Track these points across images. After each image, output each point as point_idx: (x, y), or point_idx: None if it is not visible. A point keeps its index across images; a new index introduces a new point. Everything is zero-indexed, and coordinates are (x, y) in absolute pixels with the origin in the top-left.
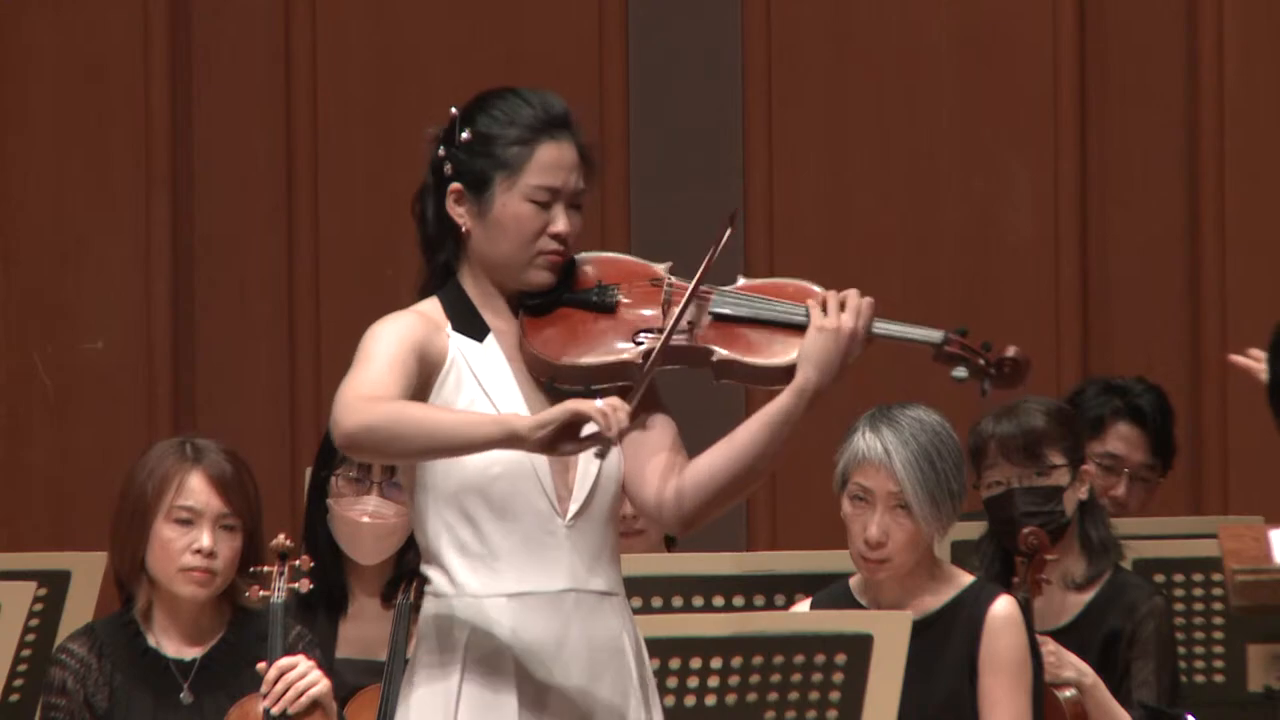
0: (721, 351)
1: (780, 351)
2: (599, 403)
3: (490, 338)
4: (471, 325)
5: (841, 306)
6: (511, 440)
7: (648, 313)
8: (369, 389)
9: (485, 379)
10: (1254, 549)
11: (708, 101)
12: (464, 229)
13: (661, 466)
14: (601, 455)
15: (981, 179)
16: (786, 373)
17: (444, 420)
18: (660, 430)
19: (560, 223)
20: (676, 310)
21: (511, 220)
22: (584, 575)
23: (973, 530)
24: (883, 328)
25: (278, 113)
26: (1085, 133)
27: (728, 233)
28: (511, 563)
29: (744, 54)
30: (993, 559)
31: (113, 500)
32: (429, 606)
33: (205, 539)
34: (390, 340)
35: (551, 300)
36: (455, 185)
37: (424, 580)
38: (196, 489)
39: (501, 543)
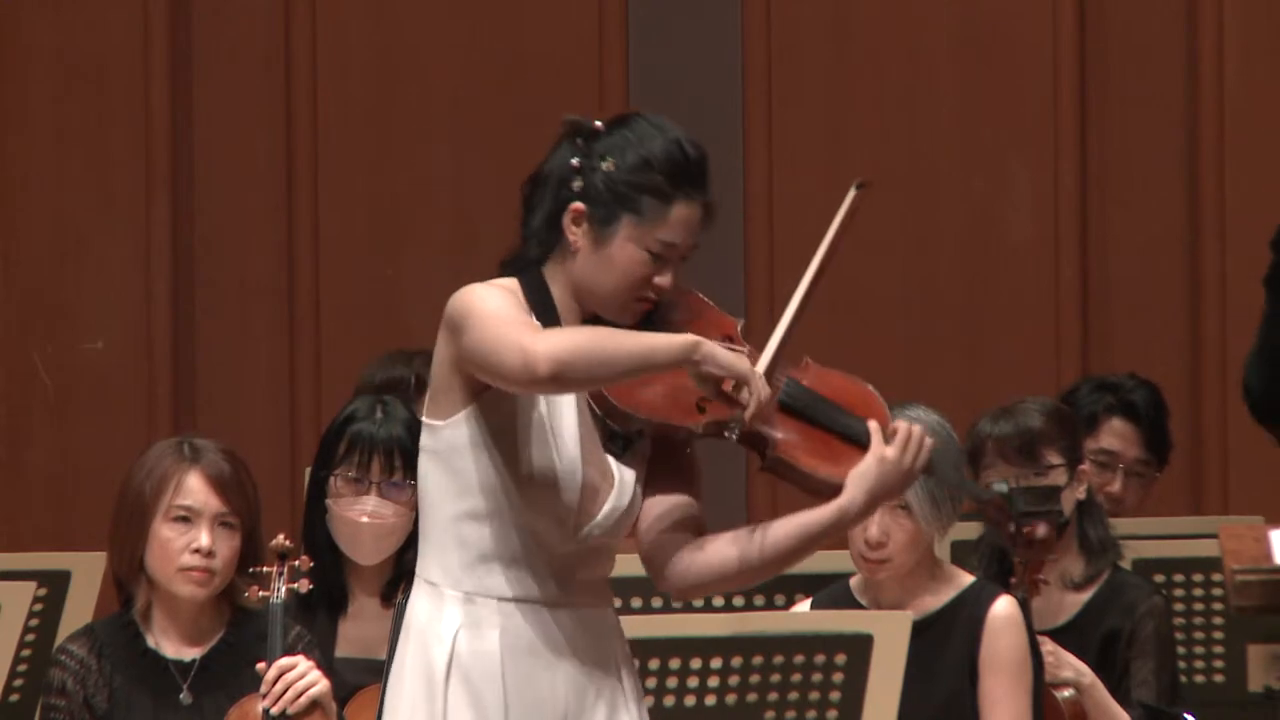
0: (781, 448)
1: (836, 465)
2: (759, 388)
3: None
4: (549, 326)
5: (905, 441)
6: (694, 359)
7: None
8: (532, 326)
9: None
10: (1254, 549)
11: (708, 101)
12: (573, 247)
13: (680, 530)
14: (734, 435)
15: (981, 179)
16: (835, 490)
17: (636, 340)
18: (687, 490)
19: (667, 278)
20: (772, 345)
21: (625, 263)
22: (578, 590)
23: (972, 530)
24: (939, 468)
25: (278, 113)
26: (1085, 133)
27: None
28: (507, 568)
29: (744, 54)
30: (992, 559)
31: (112, 500)
32: (417, 596)
33: (204, 538)
34: (504, 300)
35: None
36: (578, 205)
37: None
38: (195, 488)
39: (502, 550)
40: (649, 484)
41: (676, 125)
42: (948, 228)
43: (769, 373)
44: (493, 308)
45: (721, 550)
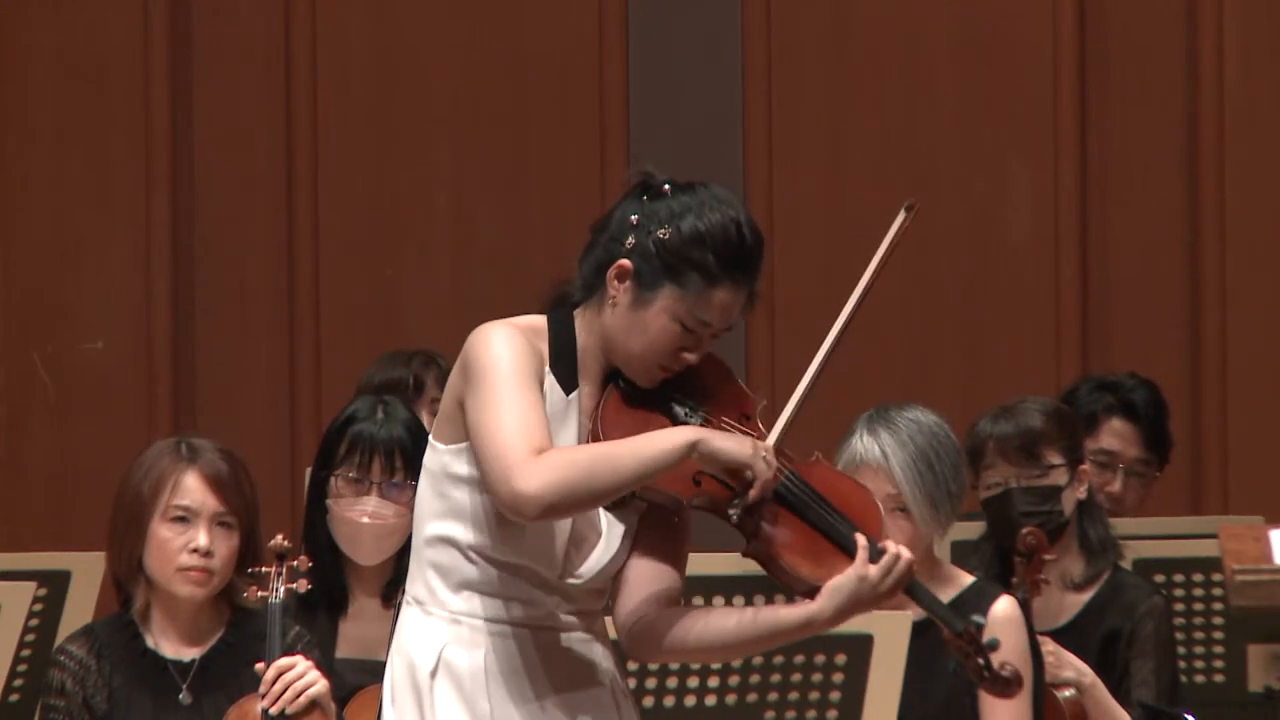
0: (764, 539)
1: (817, 568)
2: (764, 459)
3: (575, 395)
4: (566, 373)
5: (889, 565)
6: (686, 458)
7: None
8: (531, 440)
9: (555, 436)
10: (1254, 549)
11: (708, 101)
12: (611, 299)
13: (654, 593)
14: (736, 514)
15: (981, 179)
16: (809, 590)
17: (633, 454)
18: (670, 554)
19: (696, 353)
20: (796, 397)
21: (658, 331)
22: (568, 617)
23: (972, 530)
24: (916, 592)
25: (278, 113)
26: (1085, 133)
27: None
28: (497, 596)
29: (744, 54)
30: (992, 559)
31: (111, 501)
32: (407, 613)
33: (202, 538)
34: (514, 365)
35: (644, 394)
36: (625, 263)
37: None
38: (192, 488)
39: (499, 585)
40: (636, 540)
41: (739, 203)
42: (948, 228)
43: (777, 446)
44: (500, 382)
45: (686, 626)
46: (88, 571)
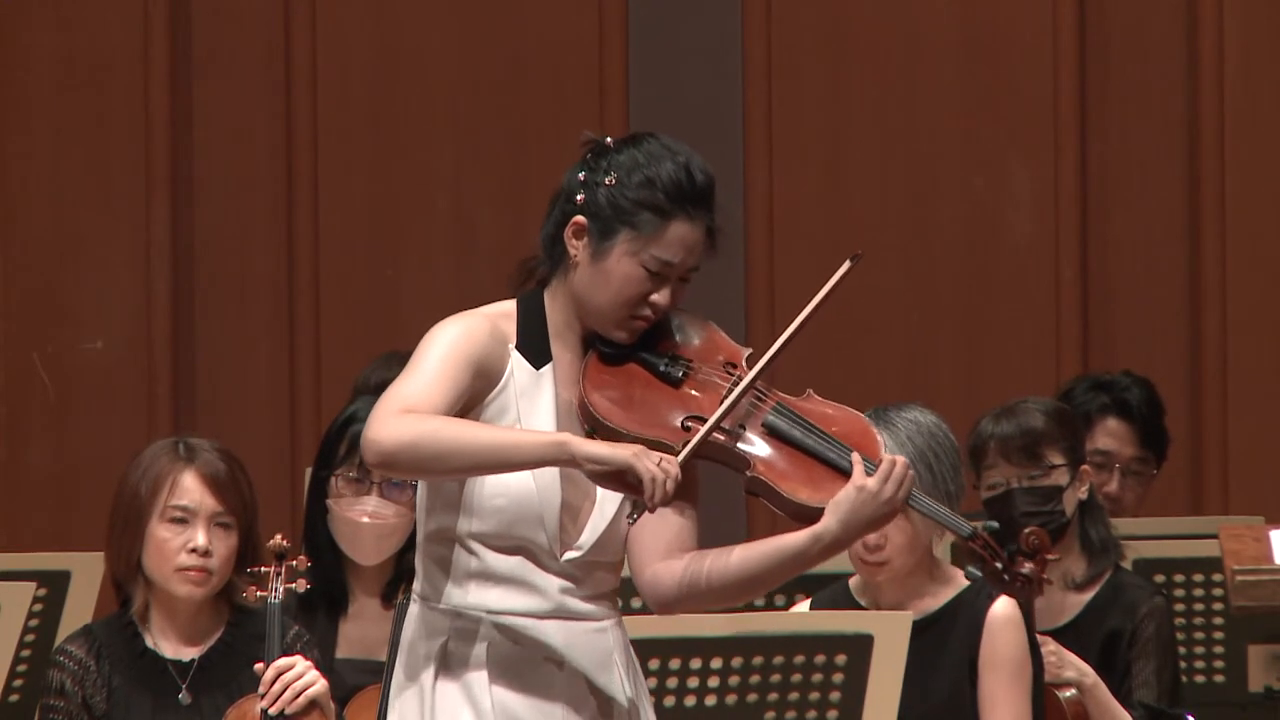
0: (760, 469)
1: (816, 491)
2: (655, 462)
3: (548, 368)
4: (535, 350)
5: (886, 473)
6: (567, 463)
7: (705, 399)
8: (410, 401)
9: (525, 412)
10: (1254, 549)
11: (708, 101)
12: (573, 261)
13: (666, 546)
14: (632, 520)
15: (981, 179)
16: (818, 513)
17: (494, 438)
18: (679, 506)
19: (664, 296)
20: (722, 406)
21: (621, 279)
22: (574, 603)
23: None
24: (919, 502)
25: (278, 113)
26: (1085, 133)
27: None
28: (499, 585)
29: (744, 54)
30: None
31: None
32: (412, 609)
33: (200, 538)
34: (447, 347)
35: (624, 353)
36: (580, 218)
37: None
38: (190, 488)
39: (498, 568)
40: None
41: (688, 148)
42: (948, 228)
43: (765, 381)
44: (421, 357)
45: (696, 568)
46: (88, 572)
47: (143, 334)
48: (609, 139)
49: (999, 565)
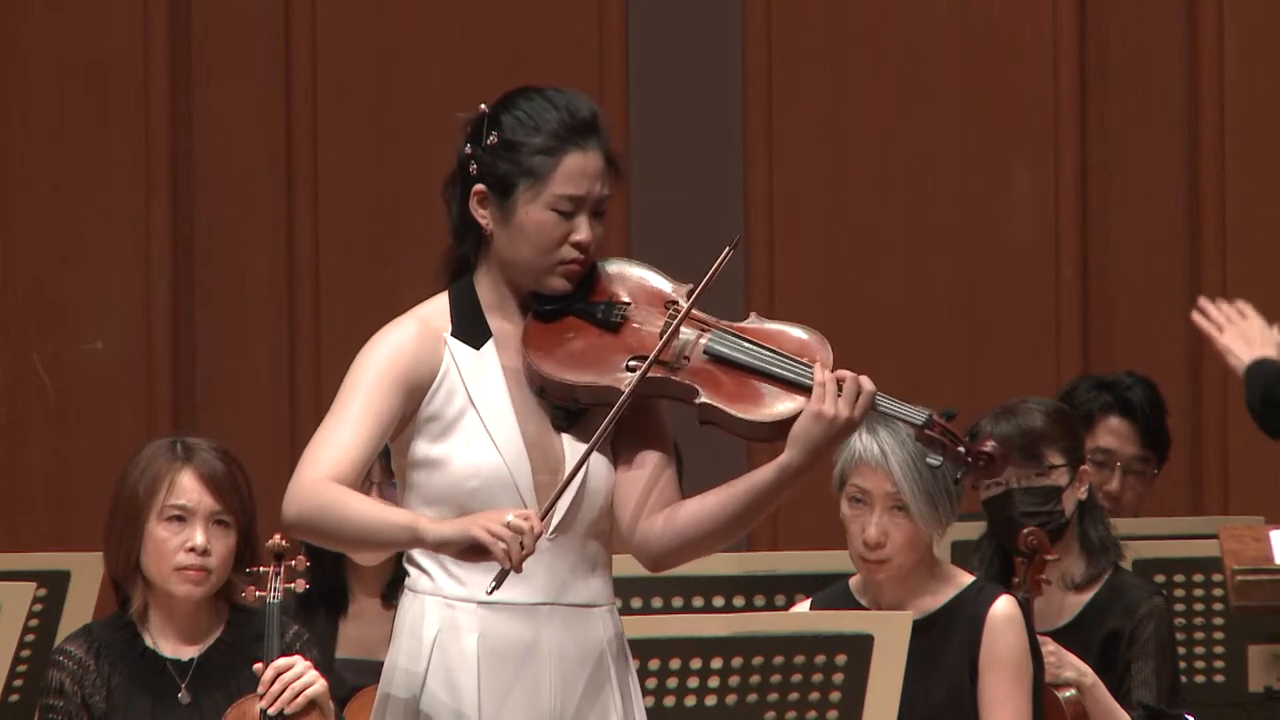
0: (705, 394)
1: (768, 408)
2: (504, 523)
3: (489, 345)
4: (472, 331)
5: (840, 390)
6: (416, 544)
7: (647, 338)
8: (325, 465)
9: (475, 391)
10: (1254, 549)
11: (708, 101)
12: (486, 230)
13: (647, 499)
14: (495, 587)
15: (981, 179)
16: (771, 429)
17: (364, 519)
18: (656, 459)
19: (582, 231)
20: (661, 341)
21: (534, 228)
22: (562, 588)
23: (973, 530)
24: (881, 406)
25: (278, 113)
26: (1085, 133)
27: (725, 255)
28: (488, 571)
29: (744, 54)
30: (992, 559)
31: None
32: (405, 602)
33: (198, 537)
34: (373, 375)
35: (560, 309)
36: (479, 187)
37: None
38: (188, 487)
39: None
40: (616, 458)
41: (567, 90)
42: (948, 228)
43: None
44: (347, 392)
45: (678, 520)
46: (87, 571)
47: (143, 334)
48: (483, 105)
49: (961, 449)
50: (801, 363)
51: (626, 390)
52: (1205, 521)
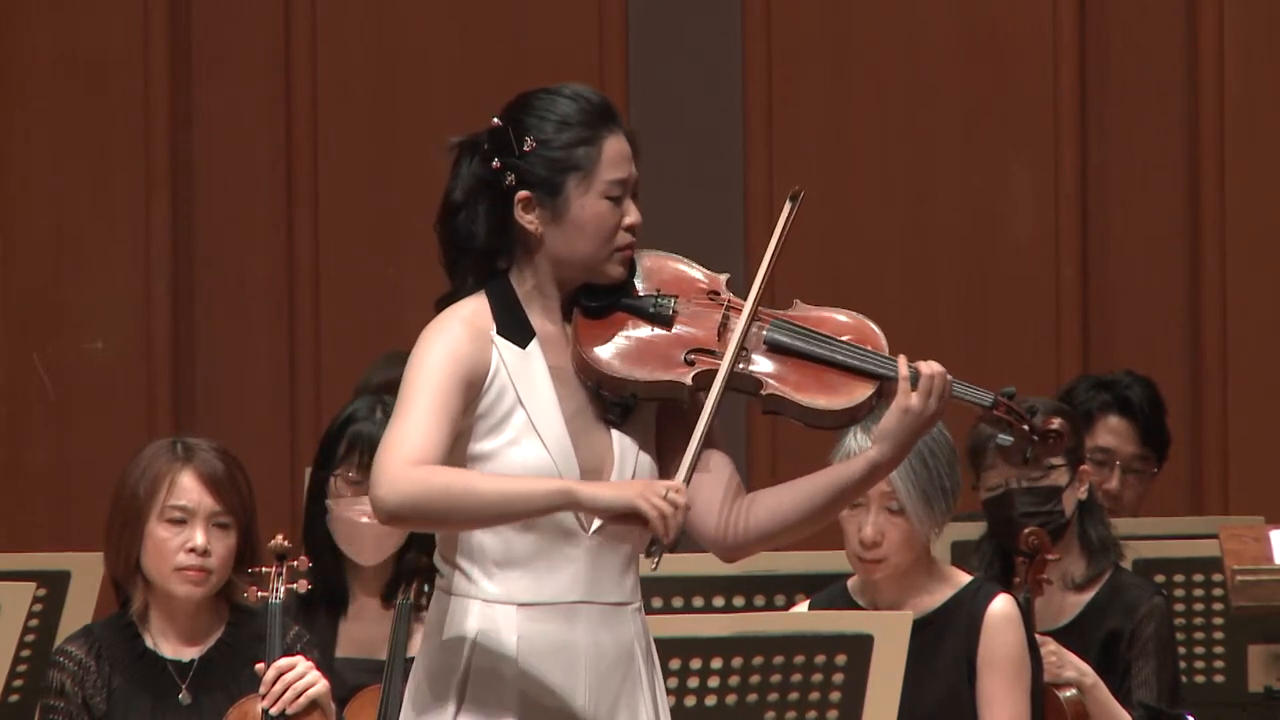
0: (773, 385)
1: (836, 395)
2: (661, 495)
3: (534, 344)
4: (517, 329)
5: (929, 389)
6: (571, 508)
7: (701, 331)
8: (412, 450)
9: (523, 390)
10: (1254, 549)
11: (708, 101)
12: (536, 234)
13: (725, 499)
14: (654, 559)
15: (981, 179)
16: (841, 416)
17: (502, 491)
18: (719, 456)
19: (633, 214)
20: (733, 342)
21: (591, 219)
22: (600, 587)
23: (973, 530)
24: (959, 393)
25: (278, 113)
26: (1085, 133)
27: (790, 213)
28: (527, 571)
29: (744, 54)
30: (992, 559)
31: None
32: (440, 603)
33: (199, 537)
34: (435, 375)
35: (608, 304)
36: (523, 193)
37: (433, 572)
38: (188, 488)
39: (520, 550)
40: (670, 452)
41: (567, 84)
42: (948, 227)
43: (755, 306)
44: (412, 390)
45: (764, 508)
46: (87, 572)
47: (143, 334)
48: (495, 119)
49: (1027, 427)
50: (873, 352)
51: (716, 385)
52: (1205, 521)
